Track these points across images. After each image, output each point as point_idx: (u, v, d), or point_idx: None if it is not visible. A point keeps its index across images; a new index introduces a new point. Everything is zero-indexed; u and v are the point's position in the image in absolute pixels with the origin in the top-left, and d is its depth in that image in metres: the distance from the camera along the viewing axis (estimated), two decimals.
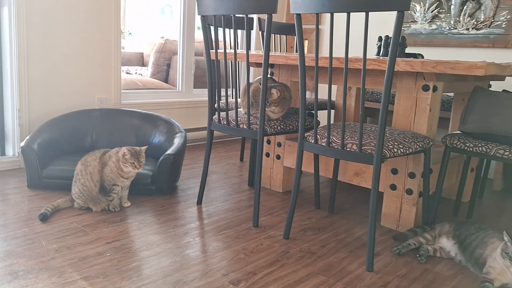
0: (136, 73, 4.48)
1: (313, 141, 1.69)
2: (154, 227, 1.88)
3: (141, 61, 5.56)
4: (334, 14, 1.61)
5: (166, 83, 3.95)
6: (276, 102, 1.94)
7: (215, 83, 2.05)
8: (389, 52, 1.40)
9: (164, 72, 4.01)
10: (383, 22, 3.32)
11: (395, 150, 1.56)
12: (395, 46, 1.36)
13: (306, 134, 1.74)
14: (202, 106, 3.58)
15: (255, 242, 1.78)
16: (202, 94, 3.65)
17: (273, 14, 1.74)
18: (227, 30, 2.37)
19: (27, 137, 2.31)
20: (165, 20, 7.33)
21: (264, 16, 2.99)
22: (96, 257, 1.58)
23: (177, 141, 2.41)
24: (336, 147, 1.62)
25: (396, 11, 1.35)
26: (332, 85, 2.75)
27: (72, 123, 2.56)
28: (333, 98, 3.03)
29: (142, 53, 5.65)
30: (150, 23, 7.45)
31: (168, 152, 2.28)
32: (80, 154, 2.44)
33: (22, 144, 2.26)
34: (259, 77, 2.09)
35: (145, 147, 2.04)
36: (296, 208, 2.17)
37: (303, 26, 3.26)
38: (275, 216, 2.07)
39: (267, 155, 2.45)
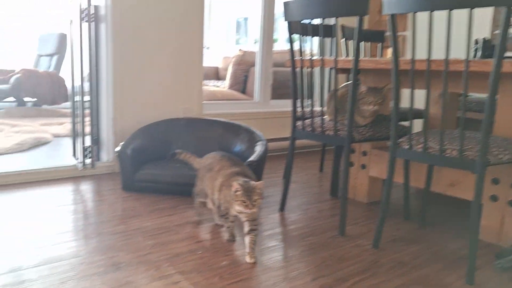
0: (213, 86, 4.72)
1: (407, 147, 1.68)
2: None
3: (216, 75, 5.84)
4: (418, 15, 1.61)
5: (244, 94, 4.11)
6: (372, 101, 1.94)
7: (299, 90, 2.12)
8: (498, 49, 1.36)
9: (241, 83, 4.19)
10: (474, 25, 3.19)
11: (500, 156, 1.50)
12: (503, 43, 1.32)
13: (399, 140, 1.74)
14: (280, 117, 3.67)
15: (343, 250, 1.79)
16: (279, 105, 3.75)
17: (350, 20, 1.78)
18: (309, 37, 2.46)
19: (122, 143, 2.54)
20: (240, 32, 7.64)
21: (348, 23, 3.03)
22: (189, 254, 1.70)
23: (259, 149, 2.50)
24: (433, 152, 1.60)
25: (506, 7, 1.32)
26: (422, 91, 2.70)
27: (160, 131, 2.77)
28: (421, 106, 2.96)
29: (217, 67, 5.93)
30: (225, 37, 7.81)
31: (250, 159, 2.38)
32: (168, 160, 2.63)
33: (118, 149, 2.49)
34: (345, 83, 2.12)
35: (261, 182, 1.61)
36: (383, 224, 2.14)
37: (386, 34, 3.24)
38: (361, 226, 2.07)
39: (351, 164, 2.45)
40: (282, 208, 2.24)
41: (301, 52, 1.99)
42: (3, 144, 3.24)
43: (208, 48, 6.99)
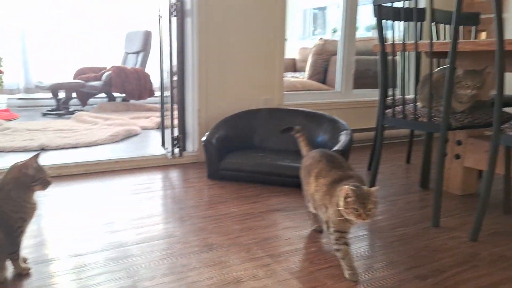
0: (291, 77, 4.74)
1: None
2: None
3: (293, 67, 5.86)
4: None
5: (324, 84, 4.09)
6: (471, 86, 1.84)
7: (388, 77, 2.08)
8: None
9: (322, 73, 4.17)
10: None
11: None
12: None
13: (502, 126, 1.64)
14: (362, 106, 3.60)
15: (438, 242, 1.73)
16: (362, 95, 3.68)
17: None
18: (396, 22, 2.38)
19: (207, 133, 2.67)
20: (317, 23, 7.58)
21: (438, 5, 2.89)
22: (276, 239, 1.75)
23: (343, 138, 2.49)
24: None
25: None
26: None
27: (242, 121, 2.86)
28: None
29: (294, 58, 5.95)
30: (301, 29, 7.80)
31: (335, 148, 2.37)
32: (250, 150, 2.72)
33: (204, 138, 2.62)
34: (439, 68, 2.04)
35: (375, 188, 1.37)
36: (483, 216, 2.03)
37: (481, 16, 3.03)
38: (456, 218, 1.98)
39: (444, 154, 2.34)
40: None
41: (392, 37, 1.94)
42: (99, 136, 3.55)
43: (286, 39, 7.04)
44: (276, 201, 2.20)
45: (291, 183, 2.42)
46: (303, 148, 1.84)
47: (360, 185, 1.36)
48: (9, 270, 1.42)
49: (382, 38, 2.05)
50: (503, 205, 2.04)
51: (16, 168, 1.37)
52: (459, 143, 2.25)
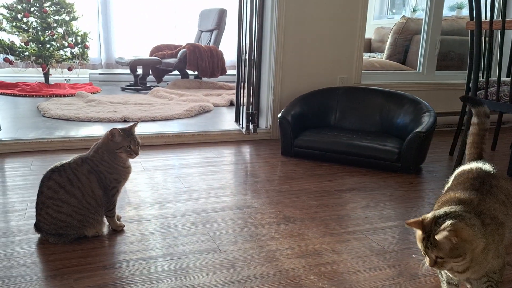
0: (368, 57, 4.66)
1: None
2: (404, 201, 1.98)
3: (368, 47, 5.73)
4: None
5: (404, 65, 3.99)
6: None
7: (480, 56, 2.00)
8: None
9: (402, 53, 4.05)
10: None
11: None
12: None
13: None
14: (445, 89, 3.47)
15: None
16: (445, 77, 3.54)
17: None
18: None
19: (283, 110, 2.73)
20: (396, 3, 7.30)
21: None
22: (354, 217, 1.79)
23: (426, 119, 2.44)
24: None
25: None
26: None
27: (318, 100, 2.89)
28: None
29: (370, 38, 5.80)
30: (377, 8, 7.55)
31: (418, 129, 2.34)
32: (325, 128, 2.76)
33: (279, 115, 2.69)
34: None
35: (451, 233, 0.94)
36: None
37: None
38: None
39: None
40: None
41: (492, 12, 1.86)
42: (175, 110, 3.76)
43: None
44: (353, 181, 2.23)
45: (367, 164, 2.44)
46: (468, 153, 1.36)
47: (445, 217, 0.95)
48: (106, 226, 1.60)
49: (478, 13, 1.97)
50: None
51: (106, 134, 1.52)
52: None
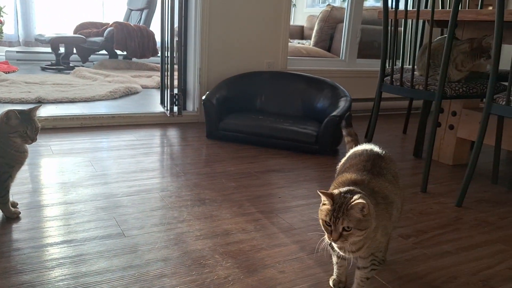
0: (297, 43, 4.71)
1: (504, 103, 1.61)
2: (318, 181, 2.03)
3: (301, 34, 5.80)
4: None
5: (329, 52, 4.07)
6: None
7: (389, 43, 2.08)
8: None
9: (327, 41, 4.14)
10: None
11: None
12: None
13: (495, 96, 1.66)
14: (365, 76, 3.60)
15: (424, 205, 1.79)
16: (365, 65, 3.66)
17: None
18: None
19: (208, 92, 2.69)
20: None
21: None
22: (269, 197, 1.81)
23: (342, 104, 2.51)
24: None
25: None
26: None
27: (244, 83, 2.88)
28: None
29: (302, 26, 5.88)
30: None
31: (334, 113, 2.40)
32: (250, 112, 2.75)
33: (203, 97, 2.65)
34: (440, 37, 2.04)
35: (361, 202, 0.95)
36: (469, 183, 2.09)
37: None
38: (444, 186, 2.03)
39: (438, 125, 2.37)
40: None
41: (396, 3, 1.92)
42: (98, 92, 3.57)
43: (295, 5, 6.91)
44: (273, 162, 2.25)
45: (289, 146, 2.47)
46: (348, 147, 1.39)
47: (350, 193, 0.98)
48: None
49: (386, 4, 2.04)
50: (492, 175, 2.09)
51: (1, 115, 1.38)
52: (454, 114, 2.28)
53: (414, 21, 2.71)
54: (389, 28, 2.15)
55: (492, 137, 2.06)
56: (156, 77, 4.61)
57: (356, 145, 1.34)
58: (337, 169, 1.29)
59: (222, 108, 2.67)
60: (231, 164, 2.19)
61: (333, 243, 1.01)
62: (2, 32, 4.76)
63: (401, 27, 2.22)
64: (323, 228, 1.00)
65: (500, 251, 1.44)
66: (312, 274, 1.25)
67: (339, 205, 0.96)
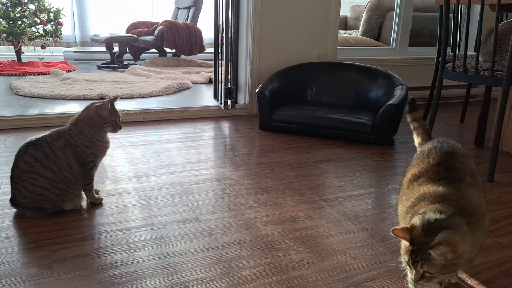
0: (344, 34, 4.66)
1: None
2: (376, 170, 2.02)
3: (345, 25, 5.72)
4: None
5: (378, 41, 4.01)
6: None
7: (449, 30, 2.03)
8: None
9: (376, 30, 4.07)
10: None
11: None
12: None
13: None
14: (418, 64, 3.51)
15: (493, 195, 1.74)
16: (417, 52, 3.58)
17: None
18: None
19: (260, 85, 2.72)
20: None
21: None
22: (329, 186, 1.82)
23: (399, 92, 2.47)
24: None
25: None
26: None
27: (295, 75, 2.89)
28: None
29: (346, 16, 5.79)
30: None
31: (390, 102, 2.37)
32: (302, 103, 2.77)
33: (257, 90, 2.68)
34: (506, 21, 1.97)
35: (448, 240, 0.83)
36: None
37: None
38: (511, 175, 1.97)
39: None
40: None
41: None
42: (153, 88, 3.70)
43: None
44: (329, 152, 2.26)
45: (343, 136, 2.47)
46: (418, 138, 1.28)
47: (432, 231, 0.82)
48: (84, 199, 1.59)
49: None
50: None
51: (93, 108, 1.49)
52: None
53: (466, 6, 2.63)
54: (449, 11, 2.09)
55: None
56: (204, 73, 4.70)
57: (424, 132, 1.24)
58: (406, 170, 1.12)
59: (275, 100, 2.70)
60: (286, 154, 2.22)
61: (411, 278, 0.87)
62: (61, 34, 5.01)
63: (451, 12, 2.15)
64: (407, 265, 0.87)
65: None
66: (385, 261, 1.26)
67: (418, 246, 0.80)
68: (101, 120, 1.49)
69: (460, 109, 3.08)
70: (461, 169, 0.99)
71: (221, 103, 3.03)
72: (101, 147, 1.52)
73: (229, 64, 3.00)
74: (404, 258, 0.86)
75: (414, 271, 0.83)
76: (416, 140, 1.27)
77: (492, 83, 1.84)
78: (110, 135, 1.56)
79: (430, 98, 2.88)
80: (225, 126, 2.79)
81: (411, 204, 0.96)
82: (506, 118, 2.27)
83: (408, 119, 1.30)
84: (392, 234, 0.85)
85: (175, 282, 1.11)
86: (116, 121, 1.51)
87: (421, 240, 0.81)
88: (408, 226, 0.84)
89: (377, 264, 1.23)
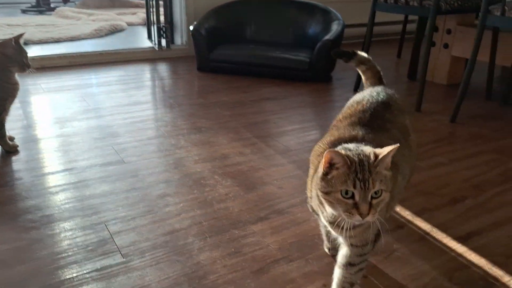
0: None
1: (499, 13, 1.58)
2: (312, 106, 2.04)
3: None
4: None
5: None
6: None
7: None
8: None
9: None
10: None
11: None
12: None
13: (490, 7, 1.63)
14: (357, 1, 3.49)
15: (419, 123, 1.82)
16: None
17: None
18: None
19: (195, 23, 2.61)
20: None
21: None
22: (264, 123, 1.82)
23: (335, 28, 2.46)
24: None
25: None
26: None
27: (233, 12, 2.78)
28: None
29: None
30: None
31: (326, 37, 2.36)
32: (241, 42, 2.69)
33: (191, 28, 2.57)
34: None
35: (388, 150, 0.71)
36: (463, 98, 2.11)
37: None
38: (439, 104, 2.05)
39: (433, 44, 2.34)
40: (356, 88, 2.26)
41: None
42: (83, 30, 3.46)
43: None
44: (267, 91, 2.25)
45: (281, 75, 2.45)
46: (367, 82, 1.16)
47: (361, 147, 0.73)
48: None
49: None
50: (486, 91, 2.10)
51: None
52: (448, 32, 2.25)
53: None
54: None
55: (487, 53, 2.05)
56: (141, 14, 4.44)
57: (373, 76, 1.09)
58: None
59: (212, 39, 2.61)
60: (224, 95, 2.18)
61: (356, 219, 0.70)
62: None
63: None
64: (335, 208, 0.71)
65: (492, 160, 1.49)
66: None
67: (360, 163, 0.69)
68: (6, 59, 1.36)
69: (397, 45, 3.13)
70: (389, 120, 0.89)
71: (155, 44, 2.89)
72: (9, 89, 1.41)
73: (161, 5, 2.83)
74: (346, 189, 0.69)
75: (362, 199, 0.69)
76: (365, 85, 1.14)
77: (421, 13, 1.86)
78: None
79: (367, 35, 2.89)
80: (161, 68, 2.68)
81: (319, 152, 0.86)
82: (437, 50, 2.33)
83: (353, 65, 1.16)
84: (328, 157, 0.69)
85: (93, 223, 1.08)
86: (23, 60, 1.39)
87: (359, 157, 0.69)
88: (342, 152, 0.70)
89: (301, 192, 1.26)
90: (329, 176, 0.71)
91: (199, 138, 1.65)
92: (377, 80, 1.13)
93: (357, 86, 2.25)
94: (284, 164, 1.45)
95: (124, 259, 0.96)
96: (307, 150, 1.55)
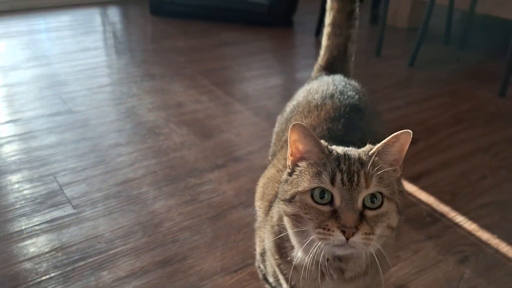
0: None
1: None
2: (272, 52, 2.02)
3: None
4: None
5: None
6: None
7: None
8: None
9: None
10: None
11: None
12: None
13: None
14: None
15: (377, 68, 1.84)
16: None
17: None
18: None
19: None
20: None
21: None
22: (222, 69, 1.79)
23: None
24: None
25: None
26: None
27: None
28: None
29: None
30: None
31: None
32: None
33: None
34: None
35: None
36: (422, 42, 2.15)
37: None
38: (398, 49, 2.08)
39: None
40: (317, 33, 2.24)
41: None
42: None
43: None
44: (226, 36, 2.19)
45: (241, 19, 2.38)
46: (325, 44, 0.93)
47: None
48: None
49: None
50: (444, 36, 2.14)
51: None
52: None
53: None
54: None
55: None
56: None
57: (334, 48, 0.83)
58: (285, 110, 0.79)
59: None
60: (180, 40, 2.11)
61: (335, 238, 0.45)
62: None
63: None
64: (302, 234, 0.48)
65: (446, 103, 1.54)
66: (267, 135, 1.29)
67: (345, 154, 0.48)
68: None
69: None
70: (368, 131, 0.70)
71: None
72: None
73: None
74: (320, 187, 0.46)
75: (345, 208, 0.45)
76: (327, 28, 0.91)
77: None
78: None
79: None
80: (112, 12, 2.55)
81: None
82: None
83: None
84: (296, 133, 0.49)
85: (42, 175, 1.06)
86: None
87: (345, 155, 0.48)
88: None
89: (259, 138, 1.27)
90: (294, 174, 0.48)
91: (152, 86, 1.61)
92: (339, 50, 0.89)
93: (318, 31, 2.23)
94: (242, 111, 1.44)
95: (75, 210, 0.96)
96: (267, 97, 1.55)
